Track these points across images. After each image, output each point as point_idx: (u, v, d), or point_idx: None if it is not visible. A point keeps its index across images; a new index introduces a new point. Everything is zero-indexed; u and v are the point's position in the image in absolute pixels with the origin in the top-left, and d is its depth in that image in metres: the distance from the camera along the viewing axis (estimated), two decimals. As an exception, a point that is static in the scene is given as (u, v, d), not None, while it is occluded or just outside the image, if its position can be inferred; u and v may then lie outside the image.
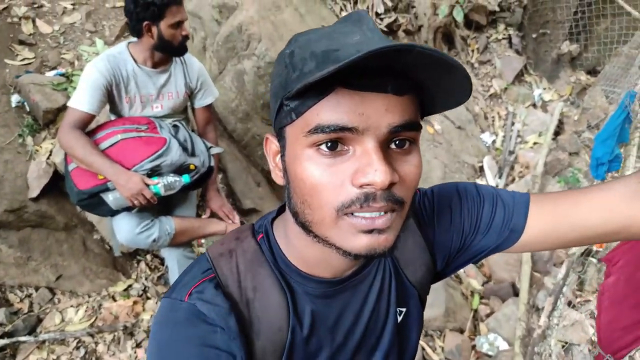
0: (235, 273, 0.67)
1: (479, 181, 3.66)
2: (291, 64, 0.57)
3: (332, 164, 0.55)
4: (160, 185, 1.92)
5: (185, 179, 1.98)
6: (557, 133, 3.88)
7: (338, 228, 0.56)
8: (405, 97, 0.54)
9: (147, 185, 1.89)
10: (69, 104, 1.92)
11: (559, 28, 4.36)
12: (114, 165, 1.86)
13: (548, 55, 4.45)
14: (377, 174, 0.52)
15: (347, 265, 0.69)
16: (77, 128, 1.88)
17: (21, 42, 2.88)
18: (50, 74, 2.75)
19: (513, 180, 3.65)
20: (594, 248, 2.75)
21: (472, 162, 3.74)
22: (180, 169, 1.99)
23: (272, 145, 0.65)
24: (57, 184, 2.51)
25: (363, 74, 0.52)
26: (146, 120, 2.04)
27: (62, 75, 2.73)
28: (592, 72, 4.58)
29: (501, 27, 4.60)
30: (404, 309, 0.77)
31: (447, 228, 0.78)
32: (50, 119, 2.61)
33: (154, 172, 1.94)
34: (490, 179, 3.67)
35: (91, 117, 1.91)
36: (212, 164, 2.15)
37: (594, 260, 2.78)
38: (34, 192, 2.41)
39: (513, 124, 4.13)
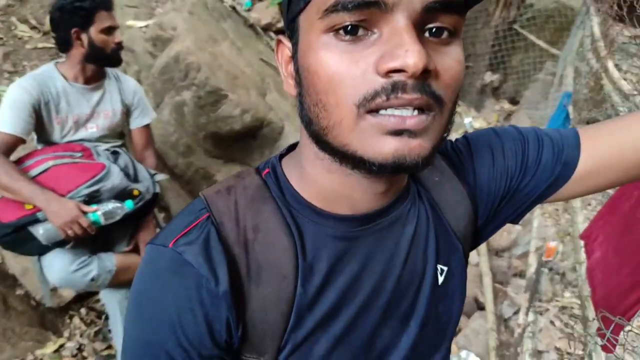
0: (233, 210, 0.55)
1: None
2: None
3: (353, 50, 0.44)
4: (99, 212, 1.71)
5: (129, 204, 1.79)
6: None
7: (360, 130, 0.45)
8: None
9: (84, 212, 1.68)
10: None
11: (480, 61, 4.68)
12: (45, 192, 1.63)
13: (473, 86, 4.74)
14: (409, 54, 0.42)
15: (373, 200, 0.56)
16: (1, 153, 1.66)
17: None
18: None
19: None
20: (544, 259, 2.82)
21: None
22: (123, 195, 1.80)
23: (284, 49, 0.54)
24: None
25: None
26: (81, 147, 1.85)
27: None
28: (513, 100, 4.92)
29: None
30: (445, 268, 0.62)
31: (489, 170, 0.65)
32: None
33: (93, 199, 1.73)
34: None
35: (17, 140, 1.69)
36: (157, 190, 1.98)
37: (546, 270, 2.83)
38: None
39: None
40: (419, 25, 0.44)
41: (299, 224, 0.56)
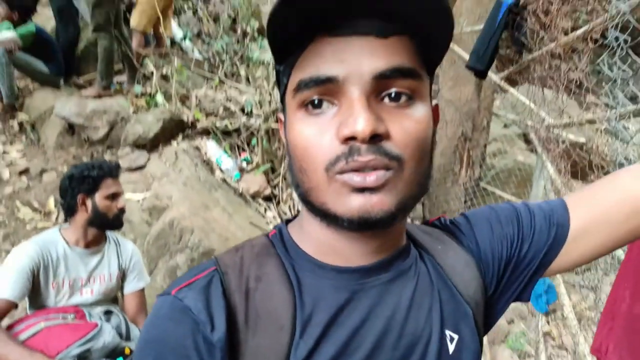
0: (239, 263, 0.58)
1: None
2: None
3: (319, 122, 0.51)
4: (88, 375, 1.66)
5: (120, 364, 1.74)
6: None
7: (331, 190, 0.51)
8: (392, 39, 0.50)
9: (73, 375, 1.63)
10: None
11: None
12: (33, 354, 1.61)
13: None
14: (358, 122, 0.48)
15: (366, 254, 0.58)
16: None
17: None
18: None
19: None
20: None
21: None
22: (114, 354, 1.76)
23: (281, 124, 0.62)
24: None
25: (344, 18, 0.49)
26: (73, 309, 1.87)
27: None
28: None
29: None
30: (456, 336, 0.60)
31: (490, 238, 0.67)
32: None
33: (83, 359, 1.69)
34: None
35: (10, 305, 1.71)
36: (150, 349, 1.93)
37: None
38: None
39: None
40: (375, 93, 0.50)
41: (300, 277, 0.58)
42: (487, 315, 0.68)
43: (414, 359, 0.58)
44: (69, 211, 1.92)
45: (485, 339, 3.54)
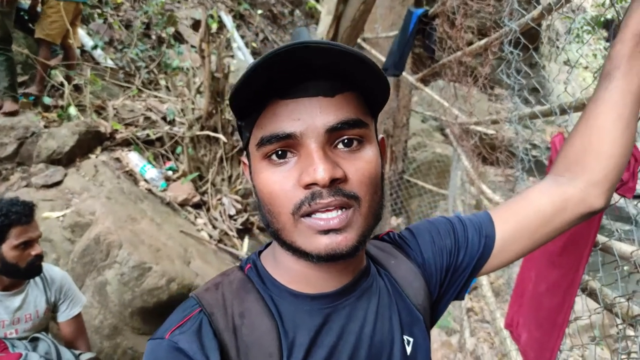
0: (221, 301, 0.64)
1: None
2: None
3: (282, 171, 0.58)
4: (18, 407, 1.56)
5: (53, 392, 1.65)
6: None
7: (299, 231, 0.58)
8: (338, 97, 0.58)
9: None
10: None
11: (384, 208, 5.17)
12: (-47, 396, 1.48)
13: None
14: (317, 171, 0.55)
15: (337, 278, 0.66)
16: None
17: None
18: None
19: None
20: None
21: None
22: (46, 382, 1.67)
23: (245, 167, 0.69)
24: None
25: (294, 82, 0.57)
26: (-6, 341, 1.74)
27: None
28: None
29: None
30: (411, 339, 0.71)
31: (432, 249, 0.78)
32: None
33: (10, 393, 1.59)
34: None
35: None
36: (85, 371, 1.84)
37: None
38: None
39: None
40: (330, 142, 0.58)
41: (279, 307, 0.65)
42: (432, 315, 0.79)
43: None
44: None
45: None
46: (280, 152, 0.58)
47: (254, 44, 7.25)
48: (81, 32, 4.94)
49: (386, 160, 4.74)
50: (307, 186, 0.56)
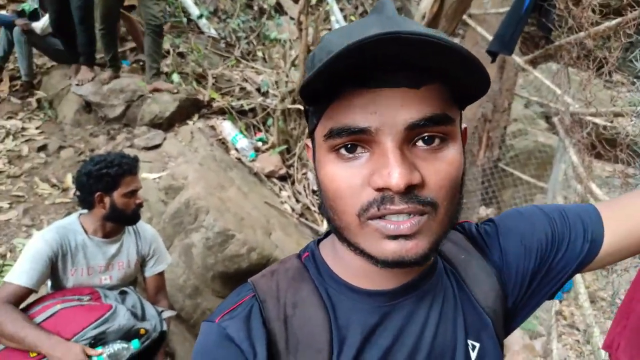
0: (275, 289, 0.62)
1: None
2: (310, 66, 0.55)
3: (351, 167, 0.52)
4: (104, 355, 1.68)
5: (135, 344, 1.76)
6: (500, 286, 3.99)
7: (364, 234, 0.53)
8: (423, 88, 0.50)
9: (89, 356, 1.65)
10: (5, 278, 1.75)
11: (473, 196, 4.90)
12: (50, 337, 1.63)
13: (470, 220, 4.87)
14: (392, 176, 0.48)
15: (397, 277, 0.61)
16: (9, 303, 1.68)
17: (-53, 240, 2.71)
18: (-22, 267, 2.54)
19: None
20: None
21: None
22: (129, 335, 1.78)
23: (310, 151, 0.63)
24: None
25: (374, 70, 0.49)
26: (89, 291, 1.88)
27: (-8, 266, 2.53)
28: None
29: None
30: (477, 344, 0.63)
31: (518, 248, 0.68)
32: (-30, 314, 2.30)
33: (98, 341, 1.72)
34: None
35: (28, 292, 1.73)
36: (165, 328, 1.95)
37: None
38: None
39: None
40: (408, 139, 0.51)
41: (334, 301, 0.61)
42: (510, 320, 0.70)
43: None
44: (86, 205, 1.90)
45: None
46: (350, 146, 0.52)
47: (352, 17, 7.11)
48: (188, 1, 5.14)
49: (479, 150, 4.45)
50: (378, 189, 0.50)
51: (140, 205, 1.97)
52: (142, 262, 2.10)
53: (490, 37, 3.93)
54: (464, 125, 0.59)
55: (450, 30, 3.35)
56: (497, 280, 0.67)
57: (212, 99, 4.19)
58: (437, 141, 0.52)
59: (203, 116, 4.11)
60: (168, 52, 4.43)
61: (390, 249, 0.51)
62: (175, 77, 4.24)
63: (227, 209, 2.85)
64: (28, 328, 1.62)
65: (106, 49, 3.94)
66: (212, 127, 3.97)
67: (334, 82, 0.49)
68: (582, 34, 2.34)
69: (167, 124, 3.84)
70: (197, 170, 3.07)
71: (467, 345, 0.63)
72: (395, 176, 0.48)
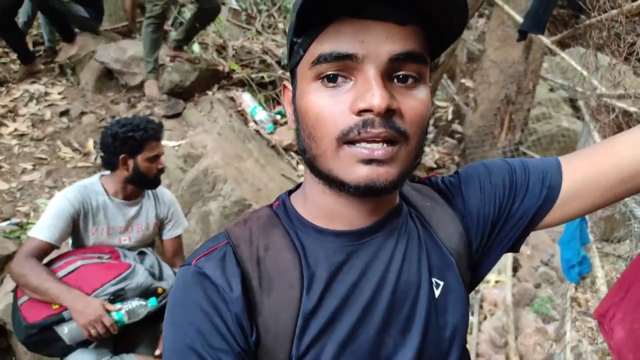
0: (248, 234, 0.65)
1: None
2: (295, 2, 0.57)
3: (334, 94, 0.56)
4: (123, 311, 1.73)
5: (152, 302, 1.80)
6: (514, 269, 3.99)
7: (339, 159, 0.56)
8: (408, 26, 0.55)
9: (108, 311, 1.69)
10: (29, 233, 1.80)
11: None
12: (71, 291, 1.68)
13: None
14: (374, 97, 0.53)
15: (366, 217, 0.65)
16: (33, 257, 1.73)
17: (-27, 198, 2.78)
18: (3, 224, 2.60)
19: (485, 317, 3.58)
20: None
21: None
22: (147, 293, 1.82)
23: (287, 92, 0.67)
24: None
25: (365, 2, 0.54)
26: (109, 249, 1.93)
27: (16, 224, 2.60)
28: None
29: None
30: (441, 282, 0.67)
31: (478, 196, 0.72)
32: (-4, 269, 2.38)
33: (117, 298, 1.76)
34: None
35: (50, 247, 1.78)
36: (181, 289, 1.99)
37: None
38: (-38, 349, 2.06)
39: (470, 266, 4.24)
40: (387, 73, 0.56)
41: (303, 242, 0.65)
42: (476, 266, 0.74)
43: (408, 304, 0.65)
44: (110, 166, 1.93)
45: (509, 299, 3.49)
46: (332, 76, 0.56)
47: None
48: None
49: (500, 132, 4.38)
50: (360, 113, 0.54)
51: (161, 170, 2.00)
52: (160, 225, 2.14)
53: (517, 17, 3.83)
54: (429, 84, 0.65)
55: (476, 8, 3.27)
56: (461, 224, 0.71)
57: (232, 70, 4.18)
58: (410, 80, 0.57)
59: (223, 87, 4.11)
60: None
61: (362, 173, 0.55)
62: (196, 47, 4.24)
63: (245, 179, 2.87)
64: (51, 281, 1.67)
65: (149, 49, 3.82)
66: (232, 99, 3.97)
67: (324, 9, 0.53)
68: (614, 11, 2.26)
69: (187, 93, 3.85)
70: (215, 139, 3.09)
71: (431, 282, 0.66)
72: (378, 97, 0.52)
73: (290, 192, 0.73)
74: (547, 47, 3.90)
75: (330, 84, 0.56)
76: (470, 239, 0.72)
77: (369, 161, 0.55)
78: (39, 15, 4.34)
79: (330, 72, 0.56)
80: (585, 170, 0.68)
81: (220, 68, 4.15)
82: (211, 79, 4.05)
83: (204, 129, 3.30)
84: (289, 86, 0.66)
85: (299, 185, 0.73)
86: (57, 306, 1.68)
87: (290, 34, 0.60)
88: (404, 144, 0.56)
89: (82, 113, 3.76)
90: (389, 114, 0.54)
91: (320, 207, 0.65)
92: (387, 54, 0.54)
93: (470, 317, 3.59)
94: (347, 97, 0.55)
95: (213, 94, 3.98)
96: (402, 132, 0.56)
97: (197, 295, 0.60)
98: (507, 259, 4.05)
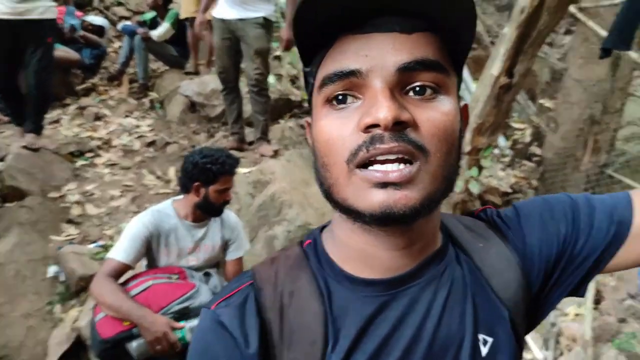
0: (273, 277, 0.60)
1: (526, 355, 3.31)
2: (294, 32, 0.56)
3: (343, 116, 0.52)
4: (186, 328, 1.83)
5: (213, 322, 1.88)
6: (597, 301, 3.64)
7: (352, 184, 0.51)
8: (416, 34, 0.51)
9: (173, 329, 1.80)
10: (107, 254, 1.98)
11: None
12: (141, 308, 1.81)
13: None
14: (380, 109, 0.47)
15: (400, 259, 0.57)
16: (110, 277, 1.90)
17: (69, 221, 3.10)
18: (90, 246, 2.88)
19: (562, 353, 3.29)
20: None
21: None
22: (209, 313, 1.91)
23: (308, 128, 0.62)
24: (78, 353, 2.38)
25: (367, 16, 0.50)
26: (178, 270, 2.06)
27: (102, 246, 2.85)
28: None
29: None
30: (490, 339, 0.58)
31: (539, 235, 0.63)
32: (82, 287, 2.63)
33: (182, 316, 1.87)
34: (536, 352, 3.33)
35: (126, 267, 1.94)
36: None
37: None
38: (52, 359, 2.27)
39: (553, 298, 3.94)
40: (399, 86, 0.50)
41: (331, 290, 0.58)
42: (533, 312, 0.65)
43: None
44: (184, 189, 2.09)
45: (589, 334, 3.19)
46: (341, 97, 0.51)
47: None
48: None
49: (584, 154, 4.08)
50: (367, 129, 0.49)
51: (227, 202, 2.12)
52: (225, 246, 2.24)
53: (602, 32, 3.60)
54: (463, 102, 0.59)
55: (552, 26, 3.13)
56: (520, 268, 0.62)
57: (304, 99, 4.33)
58: (429, 91, 0.51)
59: (294, 115, 4.27)
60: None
61: (378, 199, 0.49)
62: (271, 78, 4.45)
63: (310, 204, 2.93)
64: (123, 299, 1.82)
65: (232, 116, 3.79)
66: (302, 127, 4.10)
67: (327, 30, 0.51)
68: None
69: (260, 122, 4.04)
70: (284, 166, 3.19)
71: (476, 339, 0.58)
72: (384, 110, 0.47)
73: (323, 227, 0.66)
74: (636, 62, 3.61)
75: (340, 106, 0.52)
76: (529, 284, 0.63)
77: (383, 184, 0.49)
78: (135, 55, 4.82)
79: (337, 93, 0.52)
80: None
81: (293, 97, 4.31)
82: (283, 108, 4.23)
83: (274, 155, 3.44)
84: (309, 120, 0.61)
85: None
86: (128, 323, 1.82)
87: (302, 64, 0.58)
88: (424, 162, 0.49)
89: (167, 143, 4.08)
90: (399, 126, 0.48)
91: (350, 249, 0.59)
92: (393, 65, 0.49)
93: (546, 353, 3.32)
94: (355, 116, 0.50)
95: (285, 122, 4.15)
96: (419, 146, 0.49)
97: (214, 345, 0.57)
98: (589, 290, 3.70)
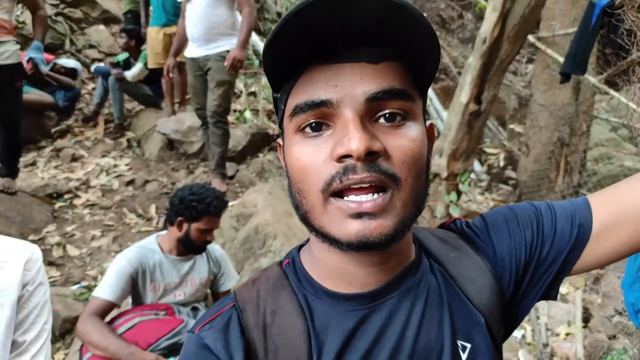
0: (255, 297, 0.61)
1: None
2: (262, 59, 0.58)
3: (316, 144, 0.53)
4: (176, 365, 1.80)
5: (204, 356, 1.86)
6: (586, 320, 3.71)
7: (328, 213, 0.53)
8: (383, 64, 0.53)
9: (162, 365, 1.78)
10: (93, 293, 1.95)
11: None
12: (129, 347, 1.79)
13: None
14: (352, 141, 0.49)
15: (376, 274, 0.59)
16: (96, 315, 1.87)
17: (50, 264, 3.04)
18: (74, 287, 2.81)
19: (556, 374, 3.31)
20: None
21: (506, 357, 3.46)
22: (199, 347, 1.89)
23: (280, 148, 0.64)
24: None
25: (336, 47, 0.52)
26: (165, 306, 2.05)
27: (85, 287, 2.80)
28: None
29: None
30: (468, 345, 0.60)
31: (508, 242, 0.66)
32: (67, 329, 2.56)
33: (171, 352, 1.85)
34: (530, 373, 3.34)
35: (112, 306, 1.91)
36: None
37: None
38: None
39: (538, 317, 3.98)
40: (369, 115, 0.53)
41: (312, 306, 0.60)
42: (508, 317, 0.67)
43: None
44: (169, 220, 2.10)
45: (581, 352, 3.23)
46: (314, 125, 0.53)
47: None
48: (260, 43, 5.51)
49: (557, 175, 4.23)
50: (340, 159, 0.51)
51: (208, 242, 2.13)
52: (213, 280, 2.24)
53: (560, 59, 3.82)
54: (429, 121, 0.61)
55: (513, 54, 3.30)
56: (492, 274, 0.65)
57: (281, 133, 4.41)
58: (398, 118, 0.53)
59: (273, 149, 4.32)
60: (241, 92, 4.75)
61: (353, 229, 0.51)
62: (248, 114, 4.53)
63: (294, 234, 2.95)
64: (111, 338, 1.79)
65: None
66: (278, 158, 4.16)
67: (295, 61, 0.53)
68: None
69: (239, 156, 4.08)
70: (266, 198, 3.22)
71: (455, 345, 0.60)
72: (356, 141, 0.49)
73: (301, 246, 0.68)
74: (596, 86, 3.82)
75: (313, 134, 0.53)
76: (502, 289, 0.66)
77: (359, 215, 0.51)
78: (110, 95, 4.84)
79: (310, 121, 0.53)
80: (614, 205, 0.63)
81: (270, 131, 4.38)
82: (262, 142, 4.29)
83: (255, 189, 3.46)
84: (281, 142, 0.63)
85: (308, 239, 0.67)
86: (116, 361, 1.79)
87: (272, 90, 0.60)
88: (396, 190, 0.52)
89: (146, 181, 4.07)
90: (371, 156, 0.50)
91: (327, 267, 0.60)
92: (362, 95, 0.51)
93: (540, 374, 3.34)
94: (327, 145, 0.52)
95: (264, 156, 4.20)
96: (391, 174, 0.51)
97: None
98: (576, 309, 3.78)
